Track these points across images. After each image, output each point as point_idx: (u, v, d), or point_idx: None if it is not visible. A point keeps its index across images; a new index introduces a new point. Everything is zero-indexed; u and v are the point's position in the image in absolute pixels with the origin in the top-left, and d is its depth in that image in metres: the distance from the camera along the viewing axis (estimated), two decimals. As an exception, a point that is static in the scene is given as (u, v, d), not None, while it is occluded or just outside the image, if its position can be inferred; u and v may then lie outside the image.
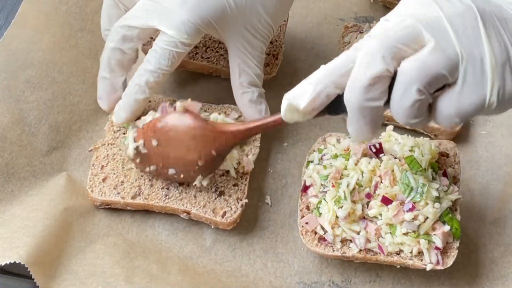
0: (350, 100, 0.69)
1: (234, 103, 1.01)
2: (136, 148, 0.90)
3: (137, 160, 0.91)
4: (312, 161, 0.96)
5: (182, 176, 0.90)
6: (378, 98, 0.69)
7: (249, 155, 0.96)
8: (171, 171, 0.90)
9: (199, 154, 0.88)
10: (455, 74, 0.67)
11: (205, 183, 0.91)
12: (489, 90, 0.67)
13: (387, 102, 0.70)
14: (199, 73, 1.08)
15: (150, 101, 0.98)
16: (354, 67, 0.69)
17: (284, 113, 0.76)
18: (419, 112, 0.69)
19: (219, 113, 0.95)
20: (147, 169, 0.91)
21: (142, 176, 0.94)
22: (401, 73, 0.67)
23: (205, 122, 0.87)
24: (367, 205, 0.89)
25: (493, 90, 0.67)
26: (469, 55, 0.67)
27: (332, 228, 0.88)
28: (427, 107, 0.70)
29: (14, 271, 0.87)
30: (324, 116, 0.76)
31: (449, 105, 0.69)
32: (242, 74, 0.94)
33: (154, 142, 0.88)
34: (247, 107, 0.95)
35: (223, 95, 1.03)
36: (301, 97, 0.73)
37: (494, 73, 0.67)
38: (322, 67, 0.73)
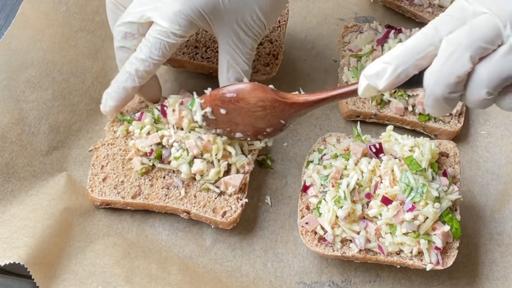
0: (435, 91, 0.71)
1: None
2: (204, 115, 0.90)
3: (203, 124, 0.92)
4: (312, 161, 0.96)
5: (248, 139, 0.92)
6: (459, 91, 0.71)
7: (248, 155, 0.96)
8: (238, 135, 0.91)
9: (268, 123, 0.88)
10: None
11: (270, 143, 0.94)
12: None
13: None
14: (199, 73, 1.08)
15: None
16: (439, 58, 0.70)
17: (362, 91, 0.76)
18: (486, 105, 0.72)
19: None
20: (213, 131, 0.92)
21: (142, 176, 0.94)
22: (475, 76, 0.69)
23: (275, 94, 0.87)
24: (367, 205, 0.89)
25: None
26: None
27: (332, 228, 0.88)
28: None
29: (14, 271, 0.87)
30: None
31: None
32: (230, 70, 0.93)
33: (223, 111, 0.88)
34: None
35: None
36: (379, 77, 0.73)
37: None
38: (400, 45, 0.73)
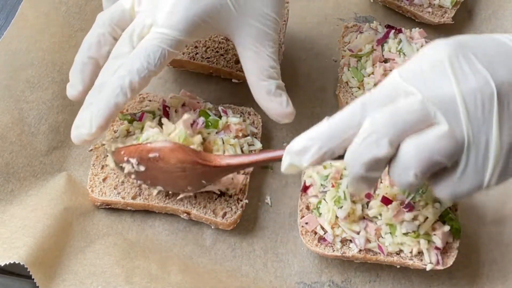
0: (352, 169, 0.68)
1: (234, 103, 1.02)
2: (120, 167, 0.89)
3: (121, 172, 0.90)
4: (312, 161, 0.96)
5: (169, 192, 0.91)
6: (378, 170, 0.68)
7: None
8: (159, 188, 0.90)
9: (188, 182, 0.87)
10: (455, 159, 0.66)
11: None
12: (488, 175, 0.66)
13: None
14: (199, 73, 1.08)
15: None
16: (359, 136, 0.67)
17: (284, 169, 0.73)
18: (415, 189, 0.71)
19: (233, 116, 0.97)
20: (134, 182, 0.91)
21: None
22: (401, 155, 0.66)
23: (196, 156, 0.85)
24: (367, 205, 0.89)
25: (493, 175, 0.66)
26: (476, 140, 0.64)
27: (332, 228, 0.88)
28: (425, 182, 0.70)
29: (14, 271, 0.87)
30: None
31: (445, 189, 0.68)
32: (255, 67, 0.88)
33: (142, 167, 0.86)
34: (266, 101, 0.88)
35: (223, 95, 1.03)
36: (303, 155, 0.70)
37: (497, 160, 0.65)
38: (325, 122, 0.70)
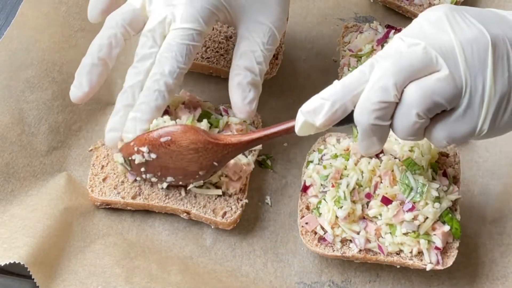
0: (361, 120, 0.72)
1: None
2: (129, 161, 0.88)
3: (129, 169, 0.90)
4: (312, 161, 0.96)
5: (180, 182, 0.90)
6: (386, 118, 0.71)
7: (249, 155, 0.96)
8: (169, 179, 0.89)
9: (200, 166, 0.87)
10: (454, 103, 0.70)
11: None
12: (481, 121, 0.70)
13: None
14: (199, 73, 1.08)
15: None
16: (366, 87, 0.71)
17: (299, 129, 0.76)
18: (417, 132, 0.72)
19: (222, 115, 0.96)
20: (143, 176, 0.90)
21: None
22: (406, 96, 0.70)
23: (207, 135, 0.85)
24: (367, 205, 0.89)
25: (485, 121, 0.71)
26: (472, 85, 0.69)
27: (332, 228, 0.88)
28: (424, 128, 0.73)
29: (14, 271, 0.87)
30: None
31: (442, 130, 0.72)
32: (242, 57, 0.90)
33: (153, 155, 0.86)
34: (233, 90, 0.90)
35: (223, 95, 1.03)
36: (317, 113, 0.73)
37: (490, 105, 0.70)
38: (337, 82, 0.74)
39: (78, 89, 0.89)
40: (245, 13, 0.90)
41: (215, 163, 0.87)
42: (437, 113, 0.71)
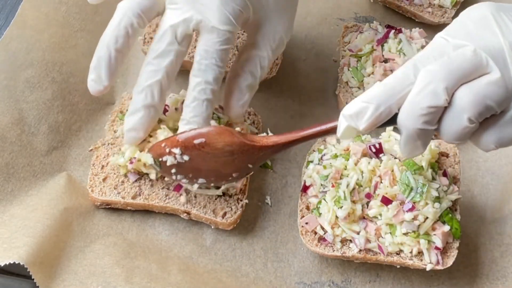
0: (407, 124, 0.70)
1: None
2: (159, 162, 0.85)
3: (159, 169, 0.87)
4: (312, 161, 0.96)
5: (212, 184, 0.88)
6: (433, 123, 0.69)
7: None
8: (201, 181, 0.86)
9: (235, 168, 0.84)
10: (504, 106, 0.68)
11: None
12: None
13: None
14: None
15: None
16: (413, 91, 0.69)
17: (341, 134, 0.73)
18: (465, 137, 0.70)
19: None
20: (173, 177, 0.87)
21: (142, 176, 0.93)
22: (456, 101, 0.68)
23: (243, 137, 0.83)
24: (367, 205, 0.89)
25: None
26: None
27: (332, 228, 0.88)
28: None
29: (14, 271, 0.87)
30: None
31: (491, 135, 0.70)
32: (248, 61, 0.89)
33: (186, 157, 0.83)
34: (232, 90, 0.89)
35: (223, 95, 1.03)
36: (360, 118, 0.71)
37: None
38: (379, 84, 0.71)
39: (97, 83, 0.86)
40: (266, 19, 0.88)
41: (250, 165, 0.84)
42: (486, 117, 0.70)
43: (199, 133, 0.82)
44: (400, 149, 0.74)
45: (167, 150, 0.83)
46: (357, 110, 0.71)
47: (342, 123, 0.72)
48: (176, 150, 0.83)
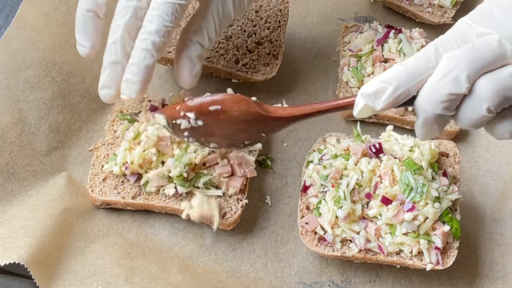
0: (426, 108, 0.70)
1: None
2: (172, 124, 0.85)
3: (171, 131, 0.86)
4: (312, 161, 0.96)
5: (222, 149, 0.88)
6: (452, 109, 0.69)
7: (249, 155, 0.96)
8: (213, 145, 0.87)
9: (248, 136, 0.85)
10: None
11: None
12: None
13: None
14: (199, 73, 1.08)
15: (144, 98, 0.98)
16: (435, 76, 0.69)
17: (358, 112, 0.74)
18: (481, 125, 0.70)
19: None
20: (185, 139, 0.87)
21: (142, 176, 0.93)
22: (477, 90, 0.68)
23: (259, 107, 0.83)
24: (367, 205, 0.89)
25: None
26: None
27: (332, 228, 0.88)
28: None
29: (14, 271, 0.87)
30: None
31: (507, 125, 0.70)
32: (197, 32, 0.88)
33: (200, 122, 0.83)
34: (183, 60, 0.89)
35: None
36: (378, 97, 0.71)
37: None
38: (399, 66, 0.71)
39: (82, 46, 0.88)
40: None
41: (263, 134, 0.85)
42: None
43: (215, 100, 0.83)
44: (416, 131, 0.74)
45: (182, 113, 0.84)
46: (375, 90, 0.71)
47: (359, 101, 0.73)
48: (191, 115, 0.83)
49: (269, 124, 0.83)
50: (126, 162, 0.90)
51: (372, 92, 0.71)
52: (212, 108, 0.82)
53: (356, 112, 0.74)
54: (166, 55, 1.03)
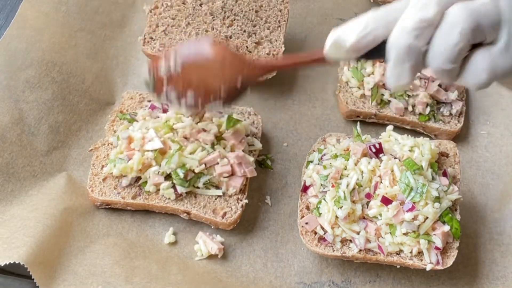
0: (398, 41, 0.69)
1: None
2: (153, 77, 0.87)
3: (152, 87, 0.88)
4: (312, 161, 0.96)
5: (199, 101, 0.88)
6: (423, 40, 0.68)
7: (250, 155, 0.96)
8: (189, 95, 0.87)
9: (223, 82, 0.86)
10: (495, 34, 0.66)
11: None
12: None
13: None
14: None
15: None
16: (407, 9, 0.68)
17: (328, 48, 0.74)
18: (456, 57, 0.68)
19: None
20: (164, 95, 0.88)
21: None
22: (449, 16, 0.67)
23: (236, 51, 0.85)
24: (367, 205, 0.89)
25: None
26: None
27: (332, 228, 0.88)
28: (462, 60, 0.68)
29: (14, 271, 0.87)
30: (361, 60, 0.75)
31: (483, 61, 0.68)
32: None
33: (178, 68, 0.85)
34: None
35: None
36: (348, 34, 0.72)
37: None
38: (372, 10, 0.72)
39: None
40: None
41: (238, 84, 0.85)
42: (476, 46, 0.67)
43: (194, 44, 0.86)
44: (387, 78, 0.73)
45: (163, 58, 0.86)
46: (346, 27, 0.72)
47: (330, 37, 0.74)
48: (171, 56, 0.85)
49: (244, 69, 0.85)
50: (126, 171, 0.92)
51: (343, 28, 0.72)
52: (190, 50, 0.86)
53: (326, 48, 0.74)
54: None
